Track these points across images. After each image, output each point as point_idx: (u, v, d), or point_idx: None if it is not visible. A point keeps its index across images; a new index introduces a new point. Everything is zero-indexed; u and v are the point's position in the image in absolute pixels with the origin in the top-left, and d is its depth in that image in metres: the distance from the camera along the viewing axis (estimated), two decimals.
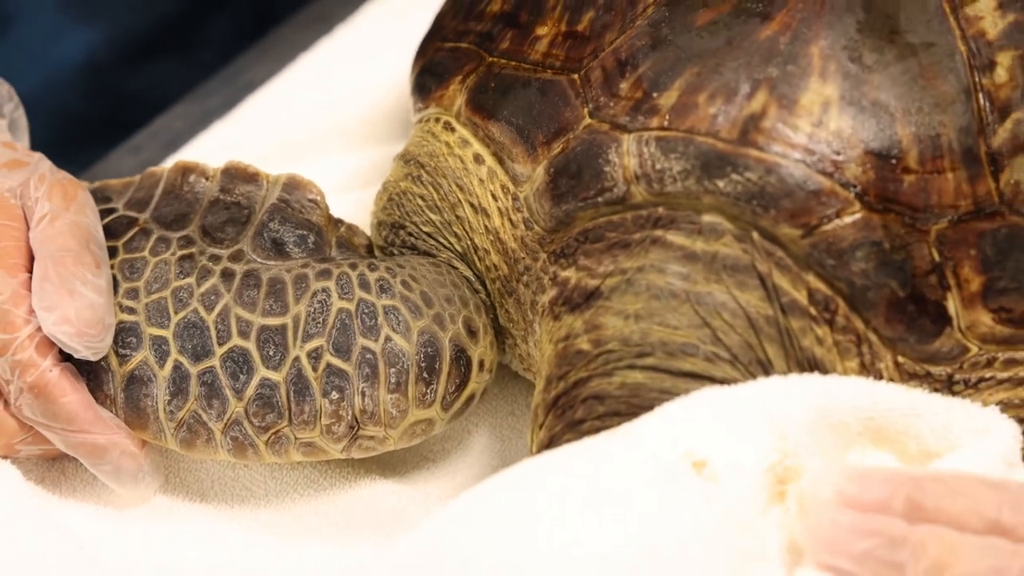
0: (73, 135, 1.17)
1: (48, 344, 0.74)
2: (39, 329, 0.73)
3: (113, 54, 1.22)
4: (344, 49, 1.07)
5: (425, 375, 0.75)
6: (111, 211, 0.81)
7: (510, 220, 0.76)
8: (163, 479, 0.79)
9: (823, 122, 0.68)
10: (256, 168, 0.81)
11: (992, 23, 0.70)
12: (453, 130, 0.79)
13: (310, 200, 0.80)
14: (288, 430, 0.74)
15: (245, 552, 0.77)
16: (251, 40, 1.14)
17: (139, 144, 1.04)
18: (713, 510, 0.63)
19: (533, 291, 0.76)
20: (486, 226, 0.78)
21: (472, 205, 0.78)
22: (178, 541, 0.78)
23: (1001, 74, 0.69)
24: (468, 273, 0.79)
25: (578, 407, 0.69)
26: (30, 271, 0.75)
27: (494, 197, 0.77)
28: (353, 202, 0.92)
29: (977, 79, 0.69)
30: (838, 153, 0.68)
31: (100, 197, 0.82)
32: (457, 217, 0.79)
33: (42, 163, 0.80)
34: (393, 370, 0.74)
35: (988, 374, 0.69)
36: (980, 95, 0.69)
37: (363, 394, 0.74)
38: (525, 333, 0.78)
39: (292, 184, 0.81)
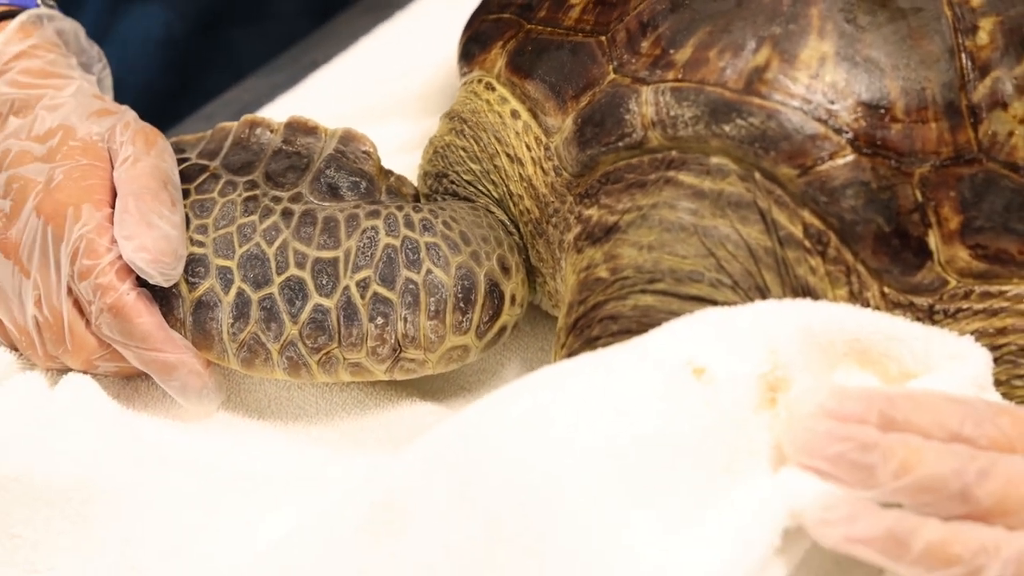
0: (151, 106, 1.27)
1: (127, 270, 0.82)
2: (119, 257, 0.81)
3: (187, 27, 1.31)
4: (401, 34, 1.16)
5: (462, 305, 0.82)
6: (185, 160, 0.89)
7: (542, 168, 0.84)
8: (225, 397, 0.86)
9: (820, 75, 0.76)
10: (316, 122, 0.89)
11: None
12: (494, 89, 0.87)
13: (363, 151, 0.88)
14: (337, 351, 0.82)
15: (298, 462, 0.85)
16: (317, 15, 1.23)
17: (211, 112, 1.13)
18: (710, 410, 0.70)
19: (561, 231, 0.84)
20: (520, 174, 0.86)
21: (508, 155, 0.86)
22: (235, 452, 0.86)
23: (983, 37, 0.76)
24: (503, 217, 0.87)
25: (595, 326, 0.77)
26: (113, 207, 0.84)
27: (528, 148, 0.85)
28: (405, 164, 1.00)
29: (961, 41, 0.76)
30: (832, 102, 0.76)
31: (176, 149, 0.90)
32: (495, 166, 0.87)
33: (127, 113, 0.88)
34: (433, 299, 0.82)
35: (965, 305, 0.76)
36: (963, 55, 0.76)
37: (405, 320, 0.82)
38: (553, 271, 0.86)
39: (348, 137, 0.89)
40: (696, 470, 0.69)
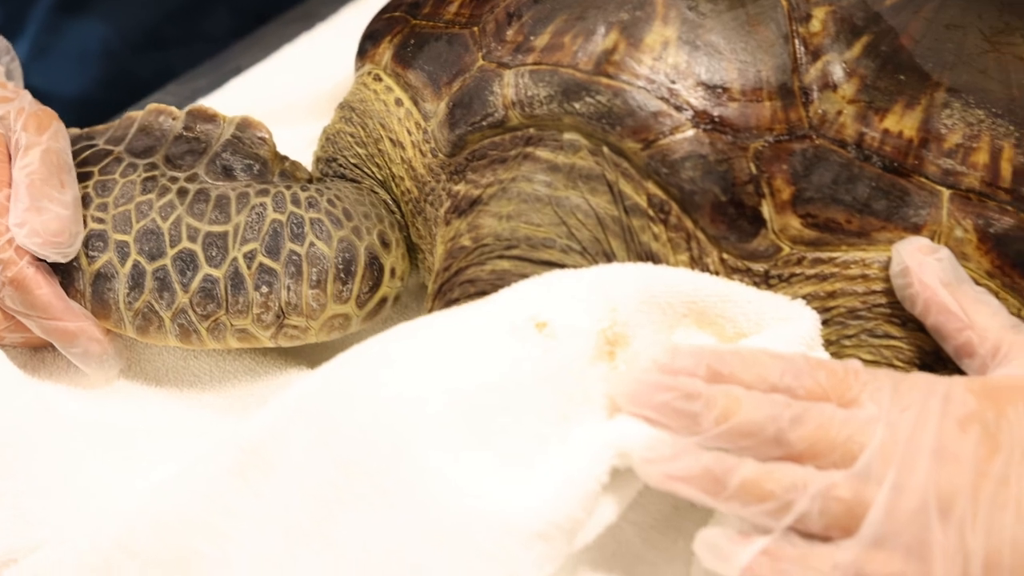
0: (86, 117, 1.32)
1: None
2: None
3: (124, 43, 1.36)
4: (320, 42, 1.22)
5: (342, 275, 0.87)
6: (92, 146, 0.94)
7: (420, 150, 0.90)
8: (125, 364, 0.91)
9: (663, 57, 0.82)
10: (215, 111, 0.94)
11: None
12: (381, 80, 0.93)
13: (259, 137, 0.94)
14: (225, 318, 0.87)
15: (191, 424, 0.90)
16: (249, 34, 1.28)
17: None
18: (550, 361, 0.75)
19: (435, 208, 0.89)
20: (401, 157, 0.91)
21: (391, 140, 0.92)
22: (133, 415, 0.91)
23: (815, 25, 0.82)
24: (387, 197, 0.93)
25: (455, 290, 0.82)
26: (5, 188, 0.88)
27: (409, 132, 0.90)
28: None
29: (795, 28, 0.82)
30: (674, 82, 0.81)
31: (86, 136, 0.95)
32: (379, 150, 0.93)
33: (24, 98, 0.92)
34: (315, 270, 0.87)
35: (798, 271, 0.81)
36: (796, 41, 0.82)
37: (288, 288, 0.87)
38: (431, 247, 0.91)
39: (244, 124, 0.94)
40: (534, 415, 0.74)
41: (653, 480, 0.71)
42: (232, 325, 0.87)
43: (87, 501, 0.84)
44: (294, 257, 0.87)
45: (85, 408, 0.90)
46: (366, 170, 0.94)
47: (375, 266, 0.88)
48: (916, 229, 0.80)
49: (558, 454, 0.73)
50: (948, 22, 0.84)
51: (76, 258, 0.88)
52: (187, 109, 0.94)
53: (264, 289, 0.86)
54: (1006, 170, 0.82)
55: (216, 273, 0.87)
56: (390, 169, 0.92)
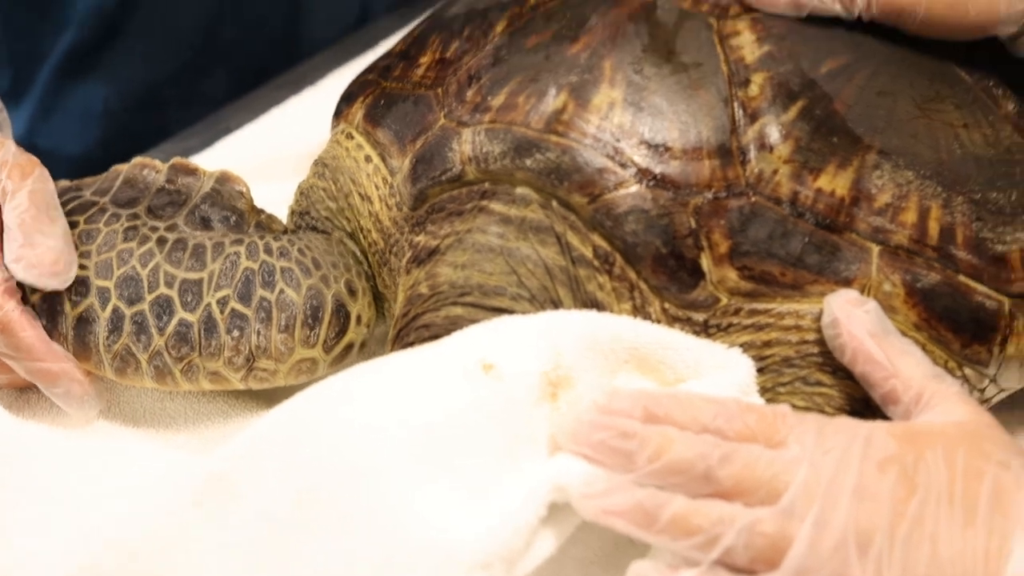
0: (88, 174, 1.37)
1: (12, 291, 0.91)
2: (5, 279, 0.91)
3: (124, 104, 1.42)
4: (307, 105, 1.28)
5: (310, 321, 0.92)
6: (79, 197, 0.98)
7: (386, 204, 0.95)
8: (105, 405, 0.95)
9: (609, 117, 0.86)
10: (197, 165, 0.99)
11: (751, 52, 0.88)
12: (352, 138, 0.98)
13: (237, 190, 0.99)
14: (198, 360, 0.91)
15: (164, 462, 0.94)
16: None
17: None
18: (497, 400, 0.79)
19: (399, 259, 0.94)
20: (369, 210, 0.96)
21: (360, 194, 0.97)
22: (109, 454, 0.95)
23: (754, 89, 0.87)
24: (355, 248, 0.98)
25: (411, 334, 0.87)
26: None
27: (376, 187, 0.95)
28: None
29: (734, 92, 0.87)
30: (619, 141, 0.86)
31: (74, 188, 1.00)
32: (349, 204, 0.98)
33: (8, 149, 0.96)
34: (284, 315, 0.91)
35: (736, 320, 0.85)
36: (735, 104, 0.87)
37: (258, 333, 0.91)
38: (395, 295, 0.96)
39: (223, 177, 0.99)
40: (481, 451, 0.78)
41: (589, 514, 0.75)
42: (205, 367, 0.91)
43: (60, 531, 0.88)
44: (264, 303, 0.91)
45: (64, 446, 0.94)
46: (336, 223, 0.98)
47: (342, 313, 0.93)
48: (847, 283, 0.84)
49: (501, 488, 0.77)
50: (880, 89, 0.88)
51: (60, 302, 0.92)
52: (170, 163, 0.99)
53: (235, 333, 0.91)
54: (933, 229, 0.86)
55: (190, 317, 0.91)
56: (358, 222, 0.97)
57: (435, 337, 0.85)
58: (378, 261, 0.96)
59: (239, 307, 0.91)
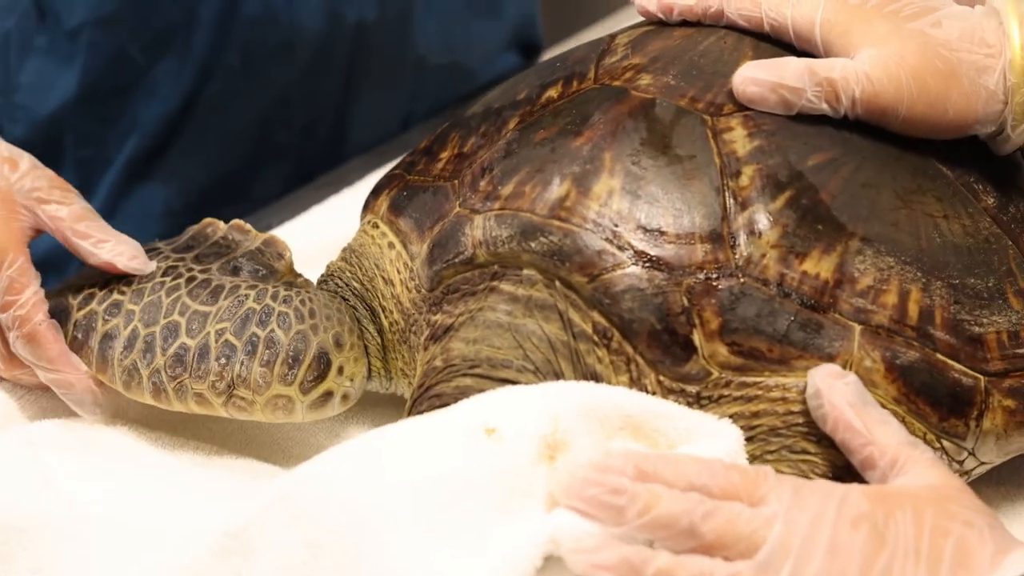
0: None
1: (39, 305, 1.01)
2: (35, 293, 1.01)
3: (183, 204, 1.51)
4: (345, 203, 1.35)
5: (290, 360, 0.98)
6: (155, 248, 1.08)
7: (407, 287, 1.01)
8: (112, 412, 1.04)
9: (608, 204, 0.93)
10: (250, 227, 1.08)
11: (742, 146, 0.94)
12: (378, 227, 1.04)
13: (278, 253, 1.07)
14: (188, 381, 0.98)
15: (177, 511, 0.98)
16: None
17: None
18: (497, 460, 0.84)
19: (417, 336, 1.00)
20: (392, 293, 1.02)
21: (383, 278, 1.03)
22: (140, 504, 1.00)
23: (744, 180, 0.93)
24: (362, 315, 1.03)
25: (424, 403, 0.93)
26: (26, 254, 1.02)
27: (398, 271, 1.02)
28: None
29: (726, 182, 0.93)
30: (617, 226, 0.92)
31: (151, 246, 1.09)
32: (373, 287, 1.04)
33: (34, 163, 1.06)
34: (268, 352, 0.98)
35: (726, 392, 0.90)
36: (727, 193, 0.93)
37: (242, 363, 0.98)
38: (414, 371, 1.01)
39: (270, 240, 1.07)
40: (482, 508, 0.83)
41: (579, 568, 0.79)
42: (192, 388, 0.98)
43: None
44: (254, 338, 0.98)
45: (69, 446, 1.02)
46: (359, 301, 1.05)
47: (323, 360, 0.99)
48: (830, 358, 0.89)
49: (500, 541, 0.82)
50: (864, 182, 0.94)
51: (95, 320, 1.01)
52: (230, 223, 1.08)
53: (223, 360, 0.98)
54: (913, 310, 0.91)
55: (190, 343, 0.99)
56: (381, 303, 1.03)
57: (444, 405, 0.90)
58: (398, 339, 1.02)
59: (232, 339, 0.99)
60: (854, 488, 0.81)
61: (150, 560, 0.88)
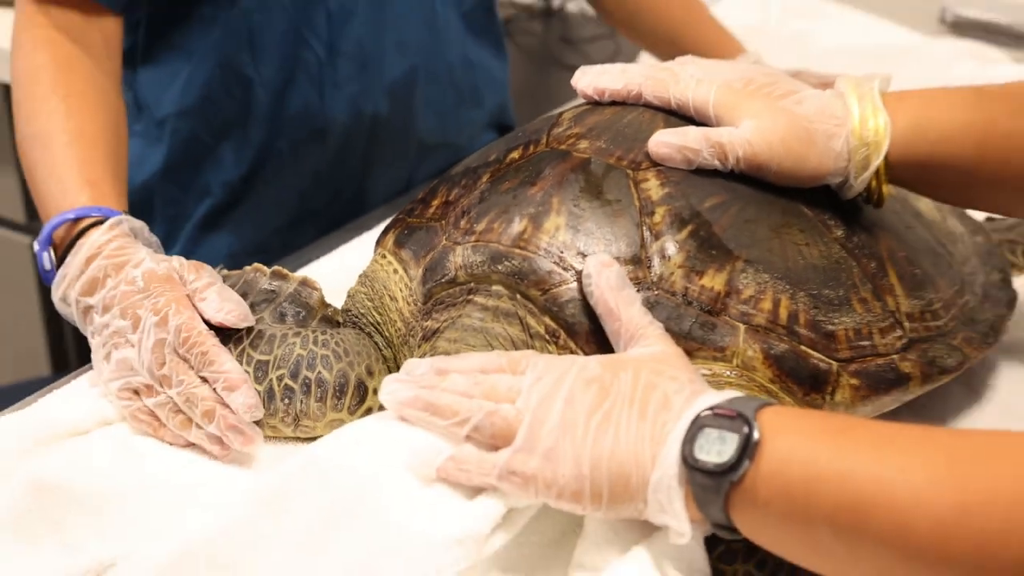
0: None
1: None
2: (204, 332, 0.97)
3: (246, 252, 1.51)
4: (365, 245, 1.34)
5: (338, 393, 0.97)
6: None
7: (407, 302, 1.02)
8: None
9: (555, 236, 0.94)
10: (287, 271, 1.08)
11: (656, 192, 0.95)
12: (385, 257, 1.05)
13: (312, 290, 1.07)
14: (264, 419, 0.97)
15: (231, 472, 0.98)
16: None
17: None
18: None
19: (415, 339, 1.00)
20: (396, 307, 1.03)
21: (390, 296, 1.04)
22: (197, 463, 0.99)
23: (657, 217, 0.94)
24: (380, 340, 1.03)
25: None
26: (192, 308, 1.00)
27: (400, 290, 1.02)
28: None
29: (644, 219, 0.94)
30: (562, 252, 0.93)
31: None
32: (382, 303, 1.05)
33: (179, 259, 1.05)
34: (319, 390, 0.97)
35: None
36: (644, 227, 0.94)
37: (301, 401, 0.97)
38: None
39: (305, 282, 1.07)
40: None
41: (393, 408, 0.85)
42: (267, 423, 0.98)
43: (152, 528, 0.90)
44: (307, 380, 0.98)
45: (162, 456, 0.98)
46: (371, 317, 1.05)
47: (362, 388, 0.99)
48: (722, 350, 0.90)
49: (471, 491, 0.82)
50: (747, 218, 0.95)
51: None
52: (271, 270, 1.08)
53: (286, 401, 0.97)
54: (783, 314, 0.92)
55: (259, 388, 0.98)
56: (388, 315, 1.04)
57: None
58: (400, 342, 1.03)
59: (290, 383, 0.98)
60: (592, 358, 0.83)
61: (199, 520, 0.87)
